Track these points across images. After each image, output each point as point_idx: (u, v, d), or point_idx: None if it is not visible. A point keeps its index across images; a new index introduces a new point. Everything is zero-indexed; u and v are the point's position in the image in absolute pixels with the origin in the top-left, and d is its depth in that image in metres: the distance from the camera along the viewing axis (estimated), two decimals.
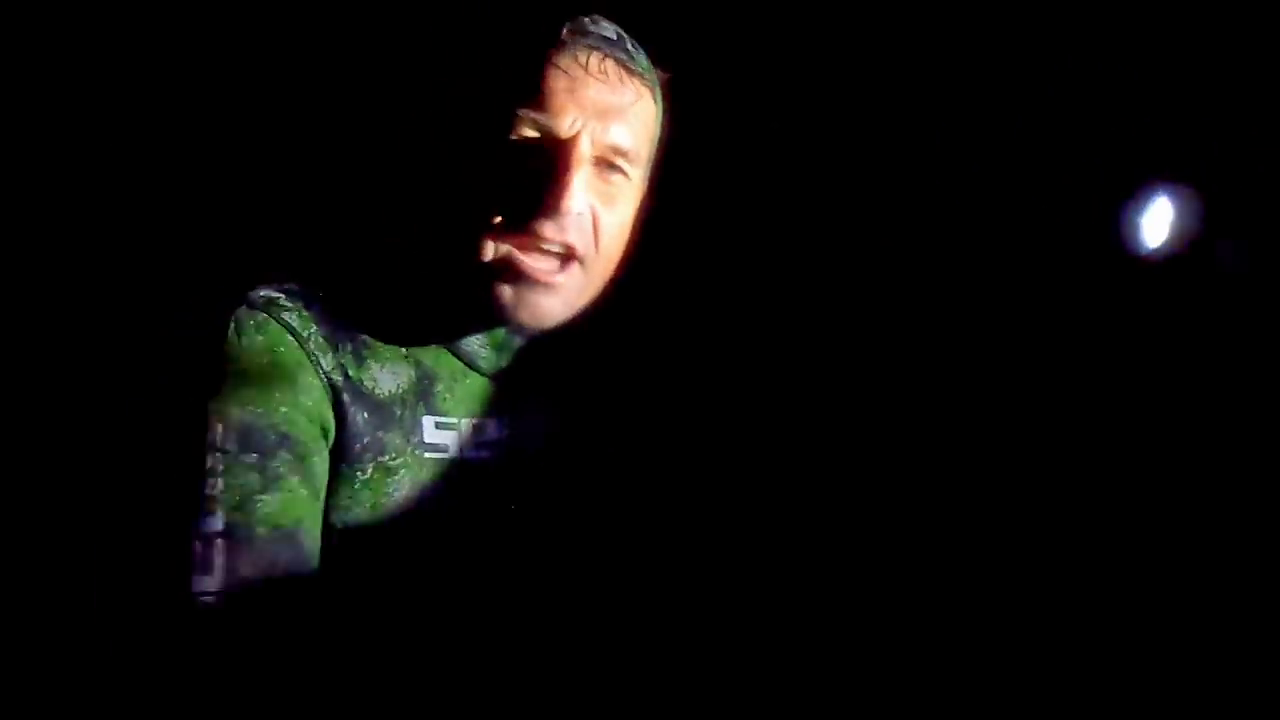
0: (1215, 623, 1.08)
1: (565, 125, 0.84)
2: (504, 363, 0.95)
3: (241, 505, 0.81)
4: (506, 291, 0.86)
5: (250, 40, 1.24)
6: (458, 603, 0.91)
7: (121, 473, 0.95)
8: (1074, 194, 1.23)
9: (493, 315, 0.88)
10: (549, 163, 0.84)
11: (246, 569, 0.80)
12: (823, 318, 1.25)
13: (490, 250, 0.85)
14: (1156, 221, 1.23)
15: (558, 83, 0.85)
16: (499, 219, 0.85)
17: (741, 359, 1.13)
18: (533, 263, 0.86)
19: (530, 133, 0.85)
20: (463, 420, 0.93)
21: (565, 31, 0.86)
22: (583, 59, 0.86)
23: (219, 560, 0.80)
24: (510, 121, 0.85)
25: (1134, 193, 1.22)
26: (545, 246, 0.86)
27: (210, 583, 0.79)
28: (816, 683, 1.07)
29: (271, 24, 1.22)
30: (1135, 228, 1.23)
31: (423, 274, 0.93)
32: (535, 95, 0.84)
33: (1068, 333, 1.21)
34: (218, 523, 0.81)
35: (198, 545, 0.80)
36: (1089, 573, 1.13)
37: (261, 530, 0.81)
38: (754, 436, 1.09)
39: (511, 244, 0.85)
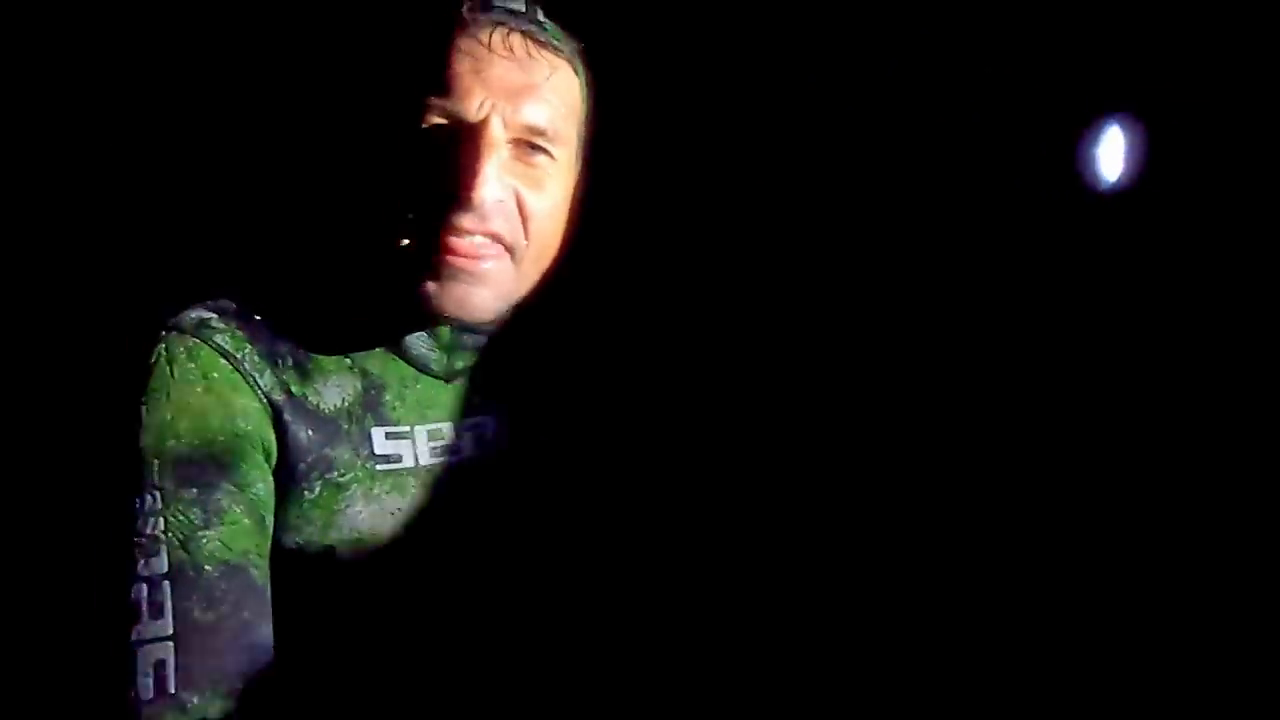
0: (1215, 617, 1.08)
1: (473, 109, 0.80)
2: (457, 364, 0.90)
3: (185, 544, 0.77)
4: (430, 285, 0.81)
5: (151, 41, 1.15)
6: (420, 617, 0.87)
7: (55, 516, 0.88)
8: (1031, 133, 1.19)
9: (421, 311, 0.84)
10: (460, 150, 0.80)
11: (196, 610, 0.76)
12: (787, 307, 1.21)
13: (410, 244, 0.81)
14: (1111, 154, 1.21)
15: (462, 65, 0.80)
16: (416, 212, 0.81)
17: (703, 353, 1.10)
18: (455, 254, 0.81)
19: (439, 120, 0.81)
20: (415, 428, 0.89)
21: (466, 9, 0.82)
22: (486, 37, 0.81)
23: (168, 604, 0.75)
24: (418, 110, 0.81)
25: (1089, 127, 1.19)
26: (468, 238, 0.81)
27: (162, 626, 0.75)
28: (799, 683, 1.06)
29: (176, 23, 1.12)
30: (1092, 161, 1.21)
31: (354, 276, 0.88)
32: (440, 81, 0.80)
33: (1043, 292, 1.18)
34: (163, 564, 0.76)
35: (144, 589, 0.76)
36: (1086, 568, 1.12)
37: (209, 568, 0.77)
38: (718, 431, 1.06)
39: (432, 236, 0.81)
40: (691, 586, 1.00)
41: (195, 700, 0.73)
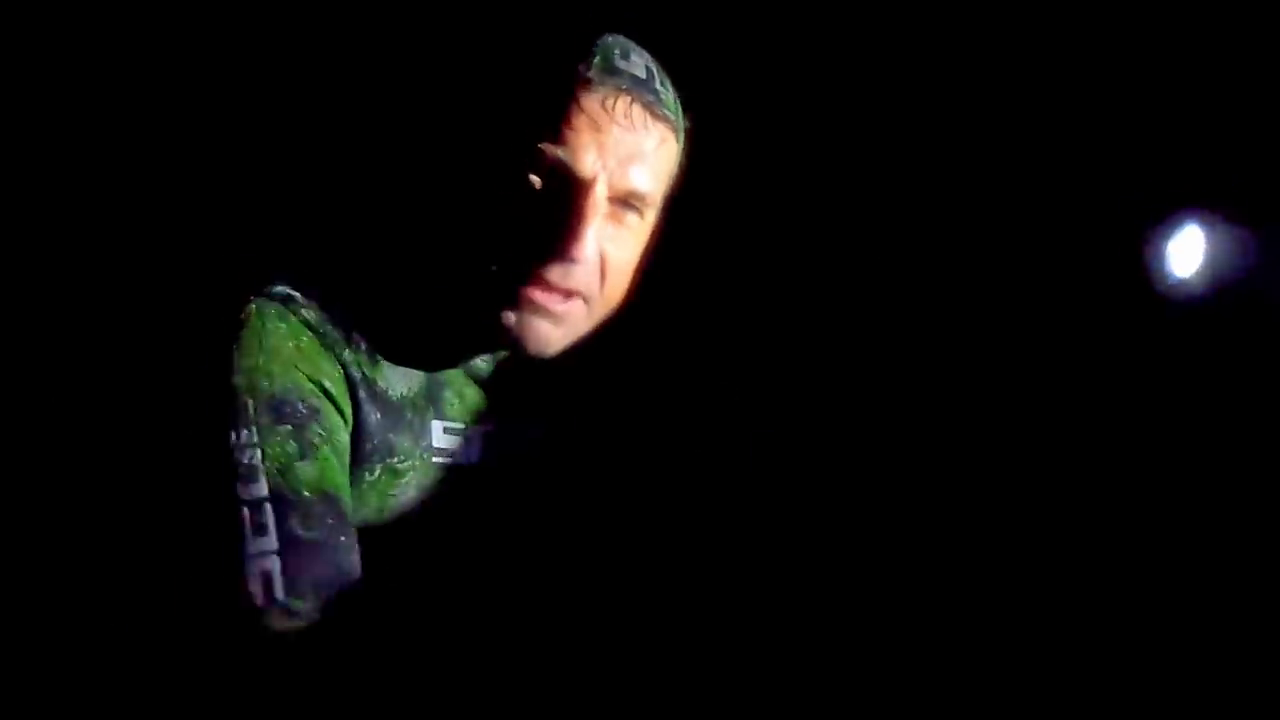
0: (1215, 623, 1.07)
1: (586, 166, 0.83)
2: (507, 370, 0.95)
3: (283, 472, 0.81)
4: (510, 317, 0.85)
5: (281, 55, 1.26)
6: (460, 609, 0.90)
7: (143, 460, 0.95)
8: (1100, 218, 1.21)
9: (494, 340, 0.88)
10: (565, 204, 0.83)
11: (299, 528, 0.79)
12: (818, 329, 1.24)
13: (497, 280, 0.85)
14: (1186, 250, 1.21)
15: (580, 122, 0.83)
16: (510, 252, 0.84)
17: (742, 366, 1.13)
18: (538, 294, 0.85)
19: (550, 169, 0.83)
20: (470, 427, 0.93)
21: (594, 69, 0.83)
22: (610, 102, 0.83)
23: (271, 521, 0.79)
24: (531, 156, 0.83)
25: (1162, 219, 1.20)
26: (551, 290, 0.85)
27: (268, 543, 0.78)
28: (812, 686, 1.05)
29: (304, 41, 1.25)
30: (1162, 256, 1.21)
31: (430, 295, 0.92)
32: (557, 132, 0.83)
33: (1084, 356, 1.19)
34: (263, 489, 0.80)
35: (246, 511, 0.79)
36: (1090, 575, 1.12)
37: (306, 493, 0.81)
38: (752, 443, 1.08)
39: (519, 278, 0.84)
40: (717, 602, 1.02)
41: (300, 605, 0.77)
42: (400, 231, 1.01)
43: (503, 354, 0.94)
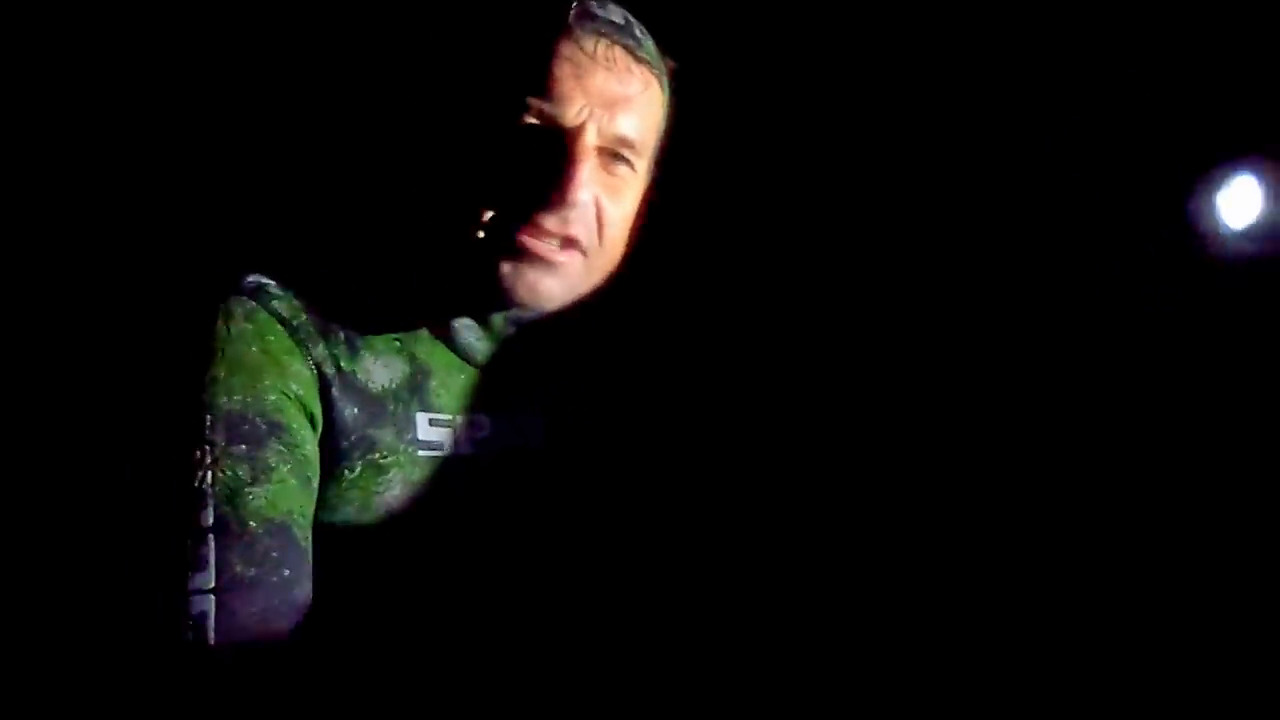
0: (1215, 623, 1.04)
1: (572, 114, 0.83)
2: (503, 356, 0.91)
3: (231, 499, 0.79)
4: (506, 267, 0.83)
5: (251, 24, 1.22)
6: (449, 605, 0.88)
7: (109, 469, 0.94)
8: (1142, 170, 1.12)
9: (491, 294, 0.85)
10: (555, 152, 0.82)
11: (238, 565, 0.78)
12: (819, 310, 1.19)
13: (491, 232, 0.83)
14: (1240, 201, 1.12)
15: (563, 70, 0.83)
16: (502, 205, 0.83)
17: (740, 353, 1.09)
18: (535, 241, 0.83)
19: (535, 120, 0.83)
20: (457, 416, 0.90)
21: (572, 17, 0.84)
22: (590, 46, 0.83)
23: (211, 556, 0.77)
24: (516, 108, 0.83)
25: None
26: (547, 238, 0.83)
27: (204, 580, 0.77)
28: (810, 681, 1.02)
29: (276, 7, 1.21)
30: (1213, 208, 1.11)
31: (419, 259, 0.90)
32: (542, 83, 0.82)
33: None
34: (208, 517, 0.78)
35: (189, 541, 0.78)
36: (1094, 574, 1.08)
37: (253, 524, 0.79)
38: (752, 431, 1.04)
39: (513, 230, 0.83)
40: (717, 595, 0.99)
41: (233, 653, 0.76)
42: (388, 194, 0.99)
43: (498, 332, 0.90)
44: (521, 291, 0.84)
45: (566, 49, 0.83)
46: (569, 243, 0.84)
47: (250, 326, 0.84)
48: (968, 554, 1.11)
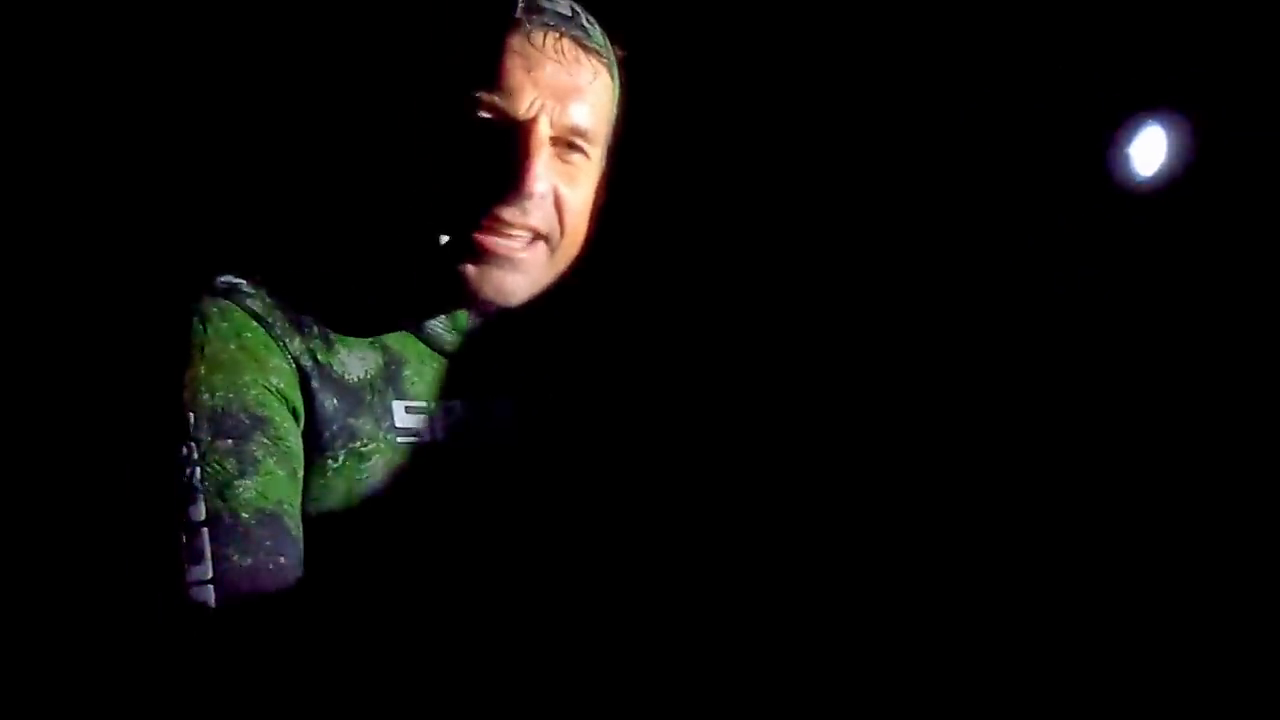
0: (1215, 620, 1.07)
1: (524, 106, 0.84)
2: (472, 347, 0.93)
3: (221, 492, 0.80)
4: (470, 269, 0.86)
5: (212, 29, 1.19)
6: (435, 590, 0.90)
7: (97, 471, 0.93)
8: (1061, 126, 1.18)
9: (457, 294, 0.88)
10: (509, 145, 0.84)
11: (234, 555, 0.79)
12: (779, 292, 1.23)
13: (453, 231, 0.85)
14: (1148, 150, 1.19)
15: (513, 64, 0.84)
16: (461, 202, 0.85)
17: (705, 334, 1.11)
18: (497, 240, 0.85)
19: (489, 115, 0.84)
20: (432, 403, 0.92)
21: (519, 10, 0.85)
22: (538, 39, 0.85)
23: (206, 549, 0.79)
24: (469, 104, 0.84)
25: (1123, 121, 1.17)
26: (509, 230, 0.85)
27: (201, 572, 0.78)
28: (794, 677, 1.06)
29: (234, 11, 1.18)
30: (1125, 157, 1.19)
31: (384, 258, 0.91)
32: (493, 77, 0.84)
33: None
34: (200, 511, 0.80)
35: (183, 536, 0.79)
36: (1088, 568, 1.12)
37: (244, 515, 0.80)
38: (723, 419, 1.07)
39: (474, 225, 0.85)
40: (690, 582, 1.01)
41: (234, 640, 0.77)
42: (346, 199, 0.99)
43: (466, 324, 0.92)
44: (488, 291, 0.86)
45: (515, 42, 0.84)
46: (531, 235, 0.86)
47: (226, 325, 0.85)
48: (933, 538, 1.15)
